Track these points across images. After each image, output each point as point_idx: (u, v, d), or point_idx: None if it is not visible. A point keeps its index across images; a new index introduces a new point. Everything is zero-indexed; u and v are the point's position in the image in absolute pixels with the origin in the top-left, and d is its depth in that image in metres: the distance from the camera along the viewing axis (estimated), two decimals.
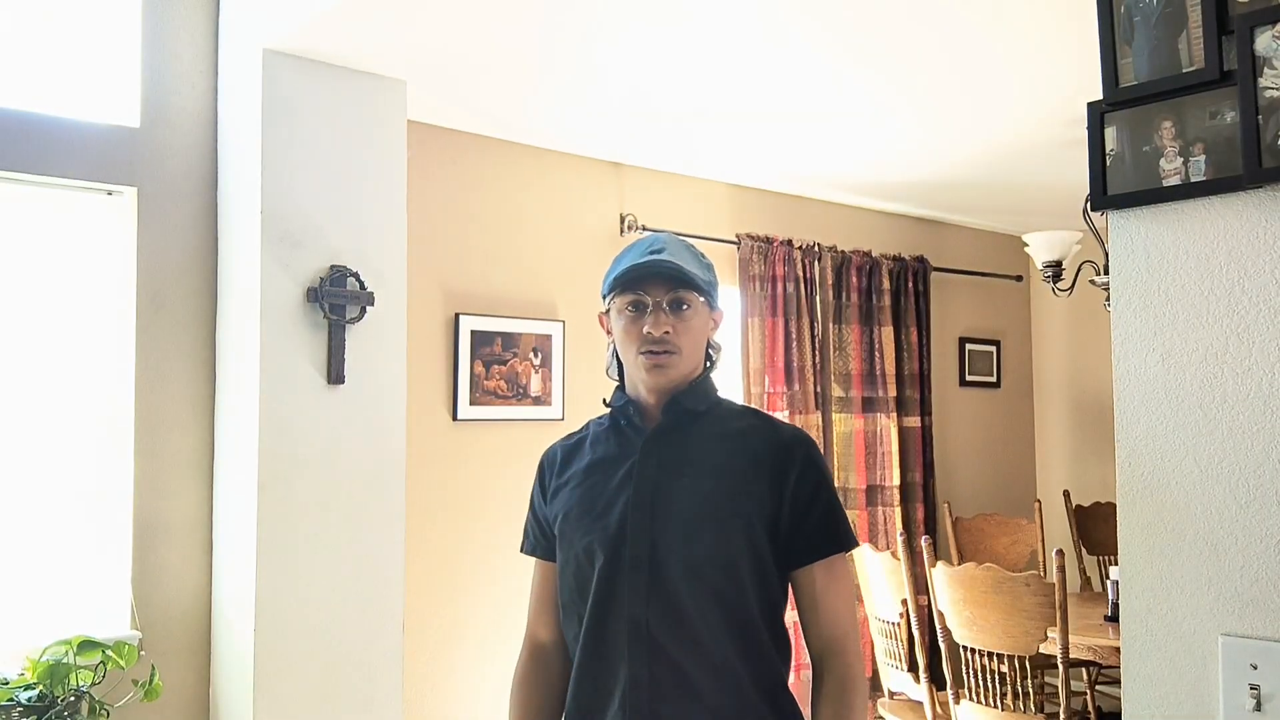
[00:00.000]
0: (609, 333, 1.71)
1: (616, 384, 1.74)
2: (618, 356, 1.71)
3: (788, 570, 1.62)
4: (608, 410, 1.74)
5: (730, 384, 4.59)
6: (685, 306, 1.62)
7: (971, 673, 3.48)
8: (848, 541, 1.63)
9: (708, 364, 1.72)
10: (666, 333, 1.60)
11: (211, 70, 3.16)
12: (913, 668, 3.79)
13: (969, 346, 5.70)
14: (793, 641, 1.67)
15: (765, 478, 1.59)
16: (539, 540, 1.77)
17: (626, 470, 1.63)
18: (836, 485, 4.82)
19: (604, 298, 1.69)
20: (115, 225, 3.04)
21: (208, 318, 3.12)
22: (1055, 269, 4.21)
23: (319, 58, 3.02)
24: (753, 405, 4.53)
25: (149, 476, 3.01)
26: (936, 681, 3.74)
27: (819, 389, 4.81)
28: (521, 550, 1.82)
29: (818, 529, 1.60)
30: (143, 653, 2.85)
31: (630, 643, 1.56)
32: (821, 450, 1.74)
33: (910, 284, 5.23)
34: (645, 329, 1.60)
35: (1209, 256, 1.27)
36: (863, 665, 1.61)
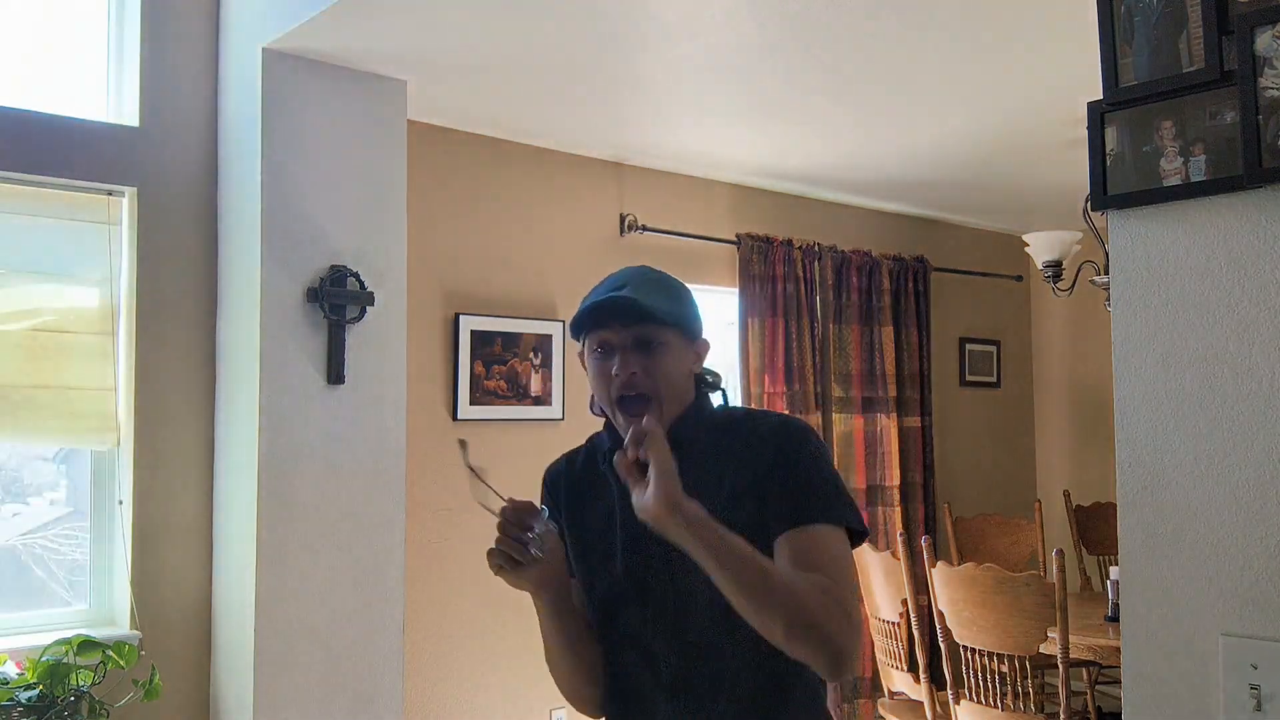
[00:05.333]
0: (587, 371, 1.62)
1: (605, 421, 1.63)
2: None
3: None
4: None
5: (730, 384, 4.59)
6: (653, 344, 1.51)
7: (971, 673, 3.48)
8: (834, 513, 1.45)
9: (700, 392, 1.59)
10: (634, 374, 1.49)
11: (211, 70, 3.16)
12: (913, 668, 3.78)
13: (969, 346, 5.70)
14: None
15: (755, 486, 1.48)
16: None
17: (633, 520, 1.51)
18: None
19: (576, 339, 1.61)
20: (115, 225, 3.04)
21: (208, 318, 3.12)
22: (1055, 269, 4.20)
23: (319, 58, 3.02)
24: (752, 406, 4.53)
25: (149, 476, 3.01)
26: (936, 681, 3.74)
27: (819, 389, 4.81)
28: None
29: (790, 500, 1.45)
30: (143, 653, 2.85)
31: (651, 676, 1.53)
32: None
33: (910, 284, 5.23)
34: (613, 370, 1.50)
35: (1209, 256, 1.27)
36: (856, 610, 1.40)
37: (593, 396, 1.62)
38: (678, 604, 1.50)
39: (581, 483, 1.64)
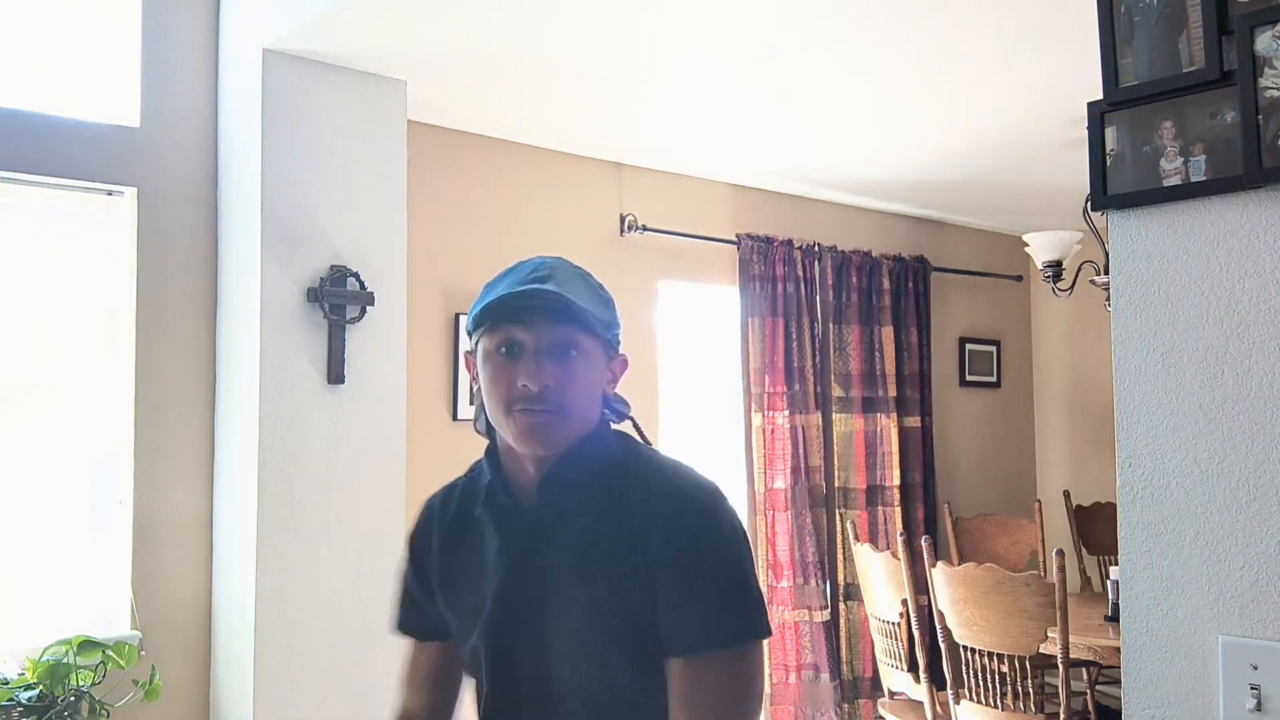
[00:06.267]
0: (474, 379, 1.34)
1: (488, 445, 1.40)
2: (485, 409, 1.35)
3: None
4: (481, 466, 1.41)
5: (731, 385, 4.59)
6: (573, 352, 1.27)
7: (971, 673, 3.48)
8: (739, 628, 1.25)
9: (603, 419, 1.37)
10: (547, 386, 1.25)
11: (211, 70, 3.16)
12: (913, 668, 3.78)
13: (969, 346, 5.70)
14: None
15: (646, 570, 1.25)
16: (411, 615, 1.47)
17: (507, 573, 1.32)
18: (837, 486, 4.85)
19: (469, 334, 1.34)
20: (115, 225, 3.04)
21: (208, 318, 3.12)
22: (1055, 269, 4.20)
23: (319, 58, 3.02)
24: (745, 416, 4.53)
25: (149, 476, 3.01)
26: (936, 681, 3.74)
27: (819, 389, 4.81)
28: (394, 628, 1.50)
29: (689, 612, 1.24)
30: (143, 653, 2.85)
31: None
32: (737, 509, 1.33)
33: (910, 284, 5.23)
34: (520, 382, 1.25)
35: (1209, 256, 1.27)
36: None
37: (480, 411, 1.37)
38: (556, 690, 1.31)
39: (454, 529, 1.40)
